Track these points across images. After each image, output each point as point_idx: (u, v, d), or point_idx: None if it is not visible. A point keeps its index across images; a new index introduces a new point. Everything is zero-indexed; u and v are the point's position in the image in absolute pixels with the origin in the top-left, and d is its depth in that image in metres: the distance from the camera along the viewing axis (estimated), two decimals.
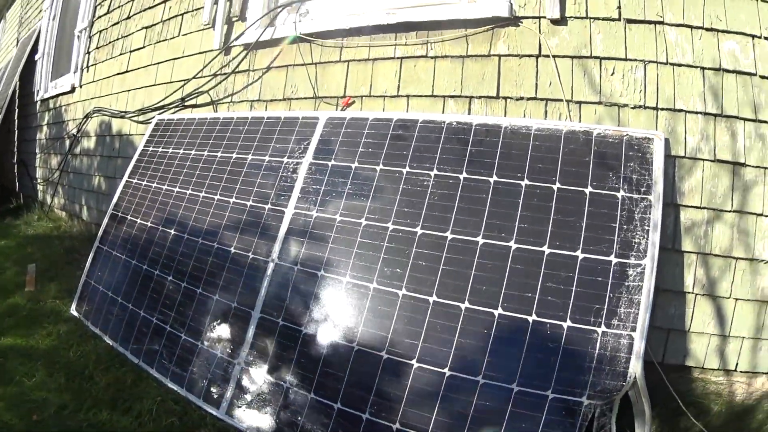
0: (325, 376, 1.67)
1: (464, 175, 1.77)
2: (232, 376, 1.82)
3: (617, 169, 1.61)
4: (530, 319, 1.52)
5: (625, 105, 1.79)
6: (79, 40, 4.16)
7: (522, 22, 1.90)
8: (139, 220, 2.57)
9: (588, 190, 1.61)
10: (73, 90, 4.15)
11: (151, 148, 2.81)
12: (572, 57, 1.84)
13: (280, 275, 1.90)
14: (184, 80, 2.81)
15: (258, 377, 1.78)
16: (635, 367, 1.38)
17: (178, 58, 2.91)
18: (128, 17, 3.44)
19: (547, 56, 1.85)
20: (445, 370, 1.53)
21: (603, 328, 1.45)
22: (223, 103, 2.63)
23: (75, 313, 2.50)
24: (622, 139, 1.64)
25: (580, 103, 1.82)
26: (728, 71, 1.73)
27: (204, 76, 2.71)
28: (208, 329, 1.97)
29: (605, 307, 1.47)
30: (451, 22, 2.00)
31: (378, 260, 1.75)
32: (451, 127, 1.87)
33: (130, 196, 2.73)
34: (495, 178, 1.72)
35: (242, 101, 2.54)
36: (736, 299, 1.72)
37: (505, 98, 1.93)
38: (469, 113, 1.98)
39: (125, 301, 2.31)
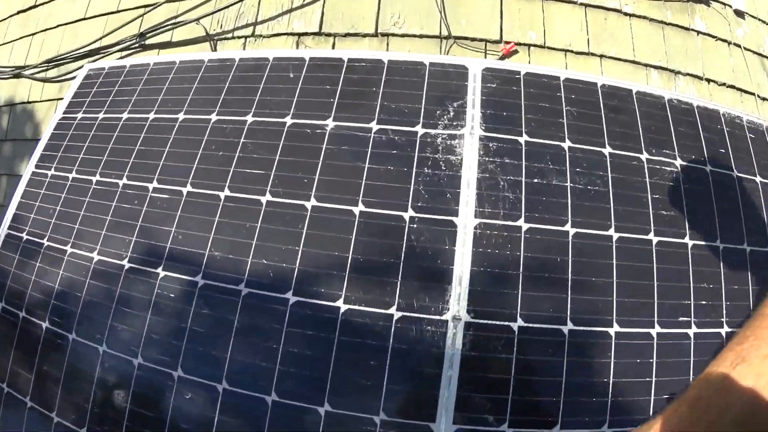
0: None
1: (710, 168, 1.33)
2: None
3: None
4: None
5: None
6: None
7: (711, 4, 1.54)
8: (70, 249, 1.35)
9: None
10: None
11: (81, 115, 1.57)
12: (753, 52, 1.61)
13: None
14: (150, 5, 1.64)
15: None
16: None
17: None
18: None
19: (738, 45, 1.56)
20: None
21: None
22: (231, 38, 1.58)
23: None
24: None
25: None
26: None
27: None
28: None
29: None
30: None
31: None
32: (672, 104, 1.37)
33: (42, 202, 1.47)
34: (736, 173, 1.38)
35: (277, 36, 1.53)
36: None
37: (709, 81, 1.56)
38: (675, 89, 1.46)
39: None
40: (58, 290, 1.35)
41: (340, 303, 1.13)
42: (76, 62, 1.76)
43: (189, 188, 1.31)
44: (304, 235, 1.19)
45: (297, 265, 1.17)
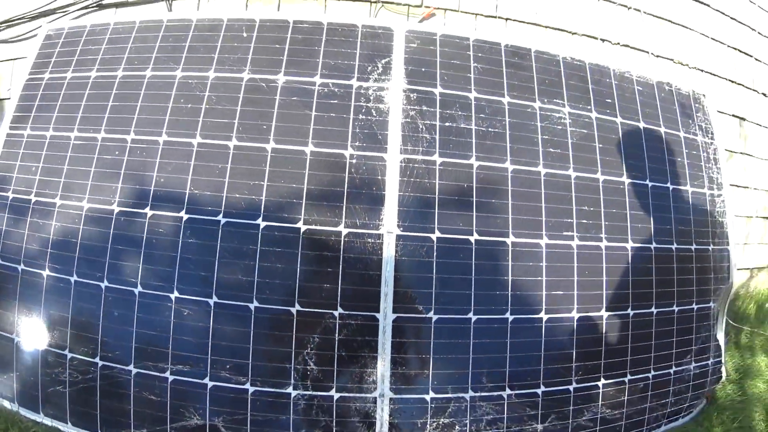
0: None
1: (595, 114, 1.80)
2: None
3: None
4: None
5: None
6: None
7: None
8: (60, 201, 1.65)
9: None
10: None
11: (48, 75, 1.80)
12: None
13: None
14: None
15: None
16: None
17: None
18: None
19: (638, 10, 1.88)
20: None
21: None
22: None
23: None
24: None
25: None
26: None
27: None
28: None
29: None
30: None
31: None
32: (566, 62, 1.78)
33: (22, 161, 1.73)
34: (620, 119, 1.83)
35: None
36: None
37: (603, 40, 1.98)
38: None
39: None
40: (54, 239, 1.63)
41: (300, 225, 1.53)
42: (32, 22, 1.93)
43: (165, 137, 1.62)
44: (267, 173, 1.55)
45: (264, 197, 1.55)
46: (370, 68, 1.60)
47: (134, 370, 1.55)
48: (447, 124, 1.58)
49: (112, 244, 1.60)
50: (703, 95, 2.03)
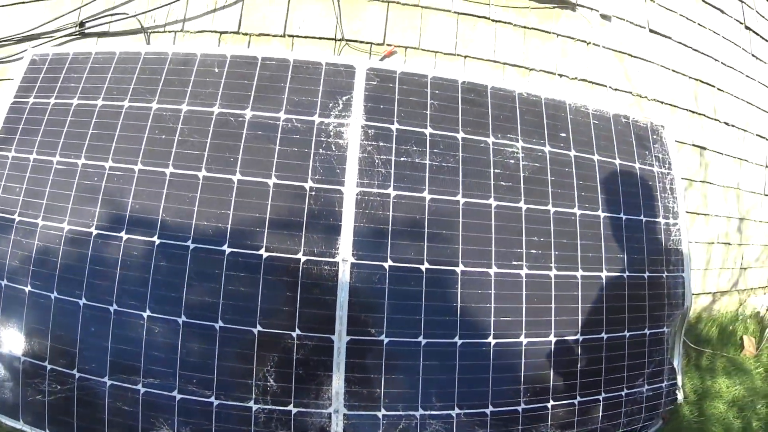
0: None
1: (548, 148, 1.89)
2: None
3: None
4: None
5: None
6: None
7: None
8: (42, 222, 1.78)
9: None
10: None
11: (32, 100, 1.93)
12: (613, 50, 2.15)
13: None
14: None
15: None
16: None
17: None
18: None
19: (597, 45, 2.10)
20: None
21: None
22: (163, 32, 1.93)
23: None
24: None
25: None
26: None
27: None
28: None
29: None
30: None
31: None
32: (522, 98, 1.88)
33: (7, 181, 1.86)
34: (574, 152, 1.93)
35: (203, 32, 1.91)
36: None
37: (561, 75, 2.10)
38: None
39: None
40: (36, 258, 1.76)
41: (262, 251, 1.65)
42: (19, 45, 2.06)
43: (140, 166, 1.75)
44: (233, 202, 1.68)
45: (229, 225, 1.67)
46: (331, 105, 1.72)
47: (109, 382, 1.69)
48: (402, 158, 1.69)
49: (90, 264, 1.73)
50: (662, 126, 2.12)
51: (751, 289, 2.70)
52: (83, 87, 1.87)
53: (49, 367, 1.73)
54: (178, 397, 1.65)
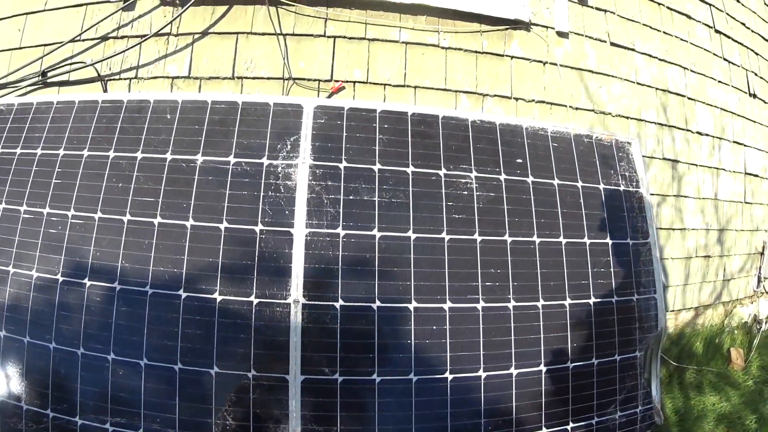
0: None
1: (504, 176, 1.90)
2: None
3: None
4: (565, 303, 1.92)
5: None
6: None
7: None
8: (12, 269, 1.89)
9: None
10: None
11: (0, 149, 2.04)
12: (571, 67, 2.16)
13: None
14: (50, 44, 2.06)
15: None
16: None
17: (35, 12, 2.11)
18: None
19: (554, 64, 2.09)
20: None
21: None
22: (119, 79, 2.03)
23: None
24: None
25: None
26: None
27: (84, 40, 2.02)
28: None
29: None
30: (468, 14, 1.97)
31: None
32: (475, 125, 1.90)
33: None
34: (531, 178, 1.94)
35: (155, 78, 2.00)
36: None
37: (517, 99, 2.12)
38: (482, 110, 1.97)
39: None
40: (8, 304, 1.89)
41: (216, 295, 1.73)
42: None
43: (99, 214, 1.85)
44: (187, 247, 1.76)
45: (185, 270, 1.75)
46: (279, 146, 1.78)
47: (80, 422, 1.80)
48: (351, 197, 1.75)
49: (57, 310, 1.84)
50: (628, 143, 2.11)
51: (737, 300, 2.66)
52: (46, 137, 1.98)
53: (24, 407, 1.84)
54: None
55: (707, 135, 2.51)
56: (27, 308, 1.87)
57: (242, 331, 1.72)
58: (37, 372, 1.84)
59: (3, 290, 1.91)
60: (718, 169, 2.55)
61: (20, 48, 2.16)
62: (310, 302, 1.71)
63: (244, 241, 1.73)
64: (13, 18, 2.16)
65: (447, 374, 1.75)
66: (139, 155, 1.85)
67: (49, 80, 2.09)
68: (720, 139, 2.55)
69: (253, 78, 1.94)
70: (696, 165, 2.48)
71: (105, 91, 2.03)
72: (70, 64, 2.05)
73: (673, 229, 2.44)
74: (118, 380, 1.77)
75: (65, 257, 1.85)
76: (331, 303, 1.71)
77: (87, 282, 1.81)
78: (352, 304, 1.71)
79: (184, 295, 1.74)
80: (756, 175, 2.79)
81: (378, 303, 1.72)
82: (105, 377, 1.77)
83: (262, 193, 1.75)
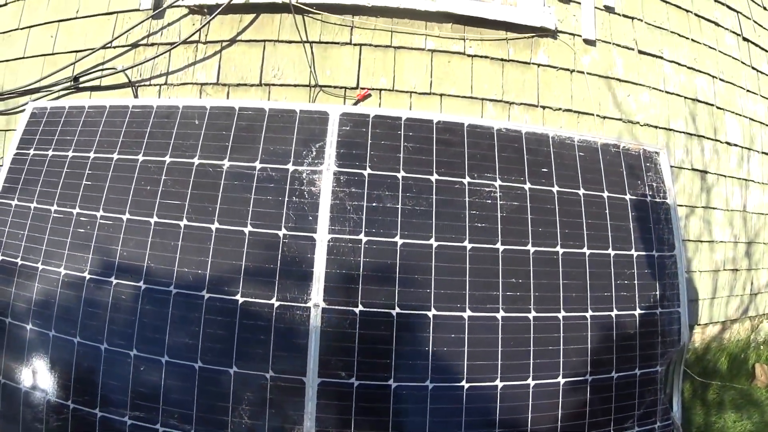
0: None
1: (529, 185, 1.93)
2: None
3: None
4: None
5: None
6: None
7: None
8: (41, 266, 1.98)
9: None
10: None
11: (33, 151, 2.15)
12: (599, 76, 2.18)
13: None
14: (81, 51, 2.16)
15: None
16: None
17: (68, 20, 2.21)
18: None
19: (581, 72, 2.11)
20: None
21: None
22: (149, 85, 2.11)
23: None
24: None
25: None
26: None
27: (115, 47, 2.12)
28: None
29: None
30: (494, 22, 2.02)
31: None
32: (501, 134, 1.93)
33: (11, 227, 2.08)
34: (557, 187, 1.96)
35: (184, 84, 2.08)
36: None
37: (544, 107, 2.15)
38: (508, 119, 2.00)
39: None
40: (36, 299, 1.97)
41: (238, 297, 1.79)
42: (20, 97, 2.30)
43: (128, 216, 1.93)
44: (211, 250, 1.82)
45: (208, 271, 1.82)
46: (305, 152, 1.84)
47: (99, 414, 1.86)
48: (374, 204, 1.80)
49: (83, 306, 1.92)
50: (656, 153, 2.12)
51: (764, 314, 2.63)
52: (77, 140, 2.08)
53: (47, 397, 1.92)
54: (161, 430, 1.80)
55: (736, 145, 2.51)
56: (54, 303, 1.95)
57: (262, 332, 1.77)
58: (61, 365, 1.92)
59: (31, 286, 1.99)
60: (747, 180, 2.54)
61: (53, 54, 2.27)
62: (330, 306, 1.75)
63: (267, 245, 1.79)
64: (46, 25, 2.27)
65: (463, 383, 1.78)
66: (168, 159, 1.93)
67: (81, 85, 2.19)
68: (749, 149, 2.55)
69: (280, 85, 2.01)
70: (725, 176, 2.47)
71: (136, 96, 2.12)
72: (102, 70, 2.14)
73: (701, 241, 2.43)
74: (139, 376, 1.83)
75: (93, 256, 1.93)
76: (350, 308, 1.75)
77: (113, 280, 1.88)
78: (371, 309, 1.75)
79: (207, 296, 1.80)
80: None
81: (397, 309, 1.76)
82: (126, 372, 1.84)
83: (286, 199, 1.81)
